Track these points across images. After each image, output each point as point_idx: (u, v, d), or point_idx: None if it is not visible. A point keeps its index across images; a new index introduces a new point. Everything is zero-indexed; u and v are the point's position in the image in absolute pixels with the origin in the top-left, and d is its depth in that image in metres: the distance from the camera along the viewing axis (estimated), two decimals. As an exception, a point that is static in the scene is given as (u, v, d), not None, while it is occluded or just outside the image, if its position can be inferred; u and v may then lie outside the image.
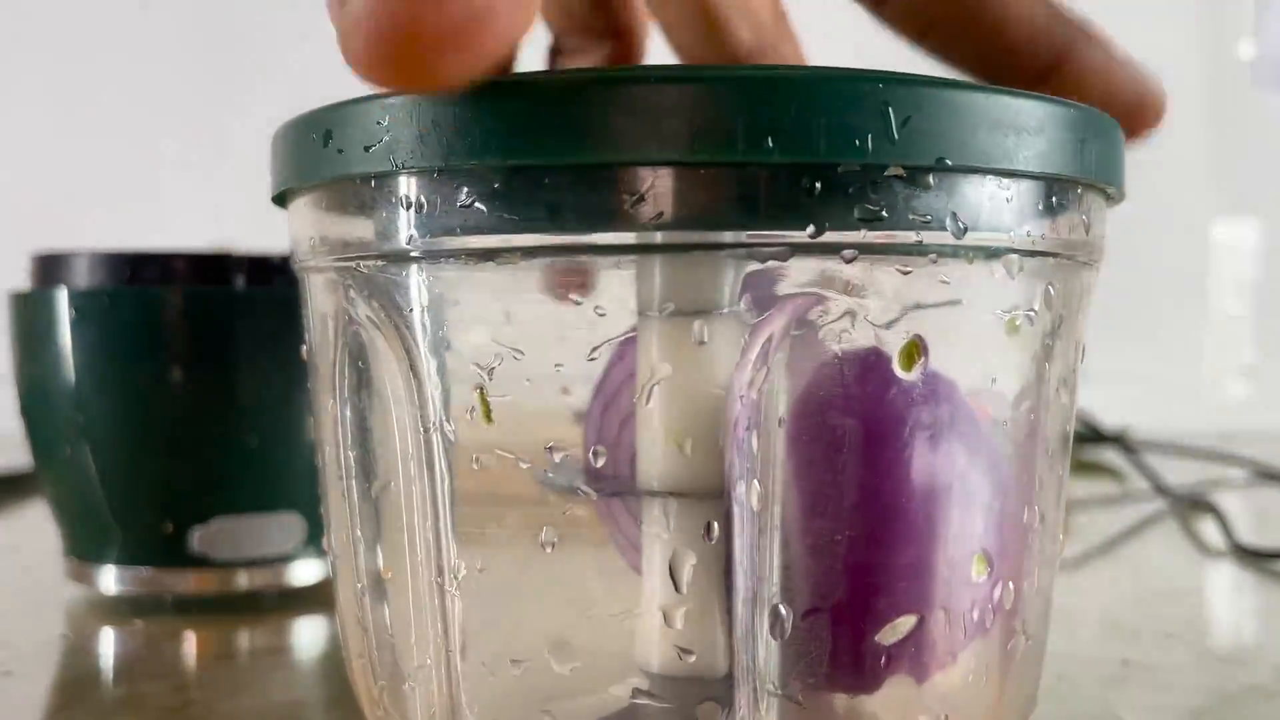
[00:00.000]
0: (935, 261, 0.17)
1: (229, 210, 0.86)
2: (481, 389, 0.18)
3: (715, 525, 0.18)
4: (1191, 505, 0.51)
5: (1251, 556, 0.42)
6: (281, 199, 0.21)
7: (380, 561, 0.20)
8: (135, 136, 0.86)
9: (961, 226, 0.17)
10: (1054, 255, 0.19)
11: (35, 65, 0.86)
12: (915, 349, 0.18)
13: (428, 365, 0.19)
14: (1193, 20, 0.85)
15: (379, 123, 0.17)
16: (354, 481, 0.21)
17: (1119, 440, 0.62)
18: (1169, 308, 0.83)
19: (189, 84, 0.85)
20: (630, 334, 0.18)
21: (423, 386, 0.19)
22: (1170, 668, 0.30)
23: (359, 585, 0.21)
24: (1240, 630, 0.36)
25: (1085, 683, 0.28)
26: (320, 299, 0.21)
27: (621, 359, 0.19)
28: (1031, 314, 0.19)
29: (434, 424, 0.19)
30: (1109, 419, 0.64)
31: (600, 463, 0.19)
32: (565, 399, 0.19)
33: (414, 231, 0.17)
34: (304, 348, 0.22)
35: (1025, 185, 0.18)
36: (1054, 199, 0.18)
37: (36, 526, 0.52)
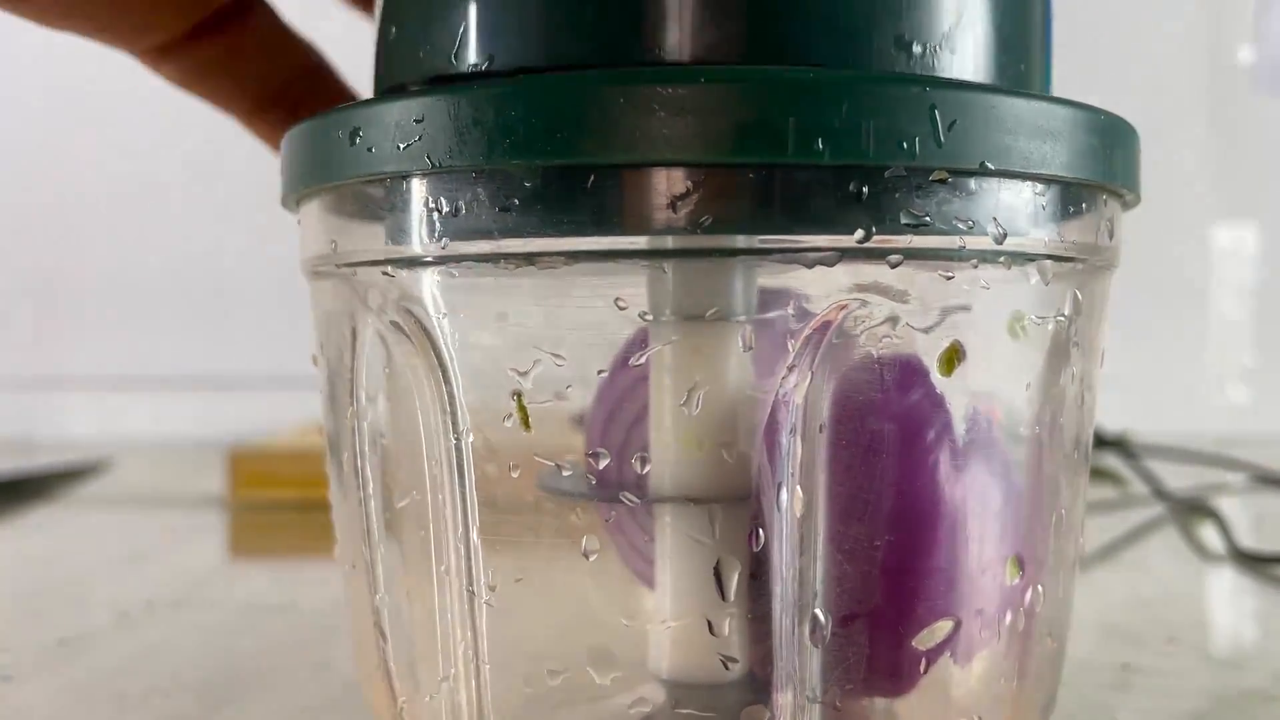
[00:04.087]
0: (976, 267, 0.17)
1: (227, 214, 0.86)
2: (519, 395, 0.18)
3: (761, 532, 0.17)
4: (1191, 510, 0.51)
5: (1251, 561, 0.42)
6: (291, 202, 0.20)
7: (402, 571, 0.20)
8: (133, 139, 0.86)
9: (1001, 231, 0.17)
10: (1083, 260, 0.19)
11: (34, 67, 0.86)
12: (955, 354, 0.18)
13: (459, 371, 0.18)
14: (1193, 25, 0.85)
15: (416, 120, 0.16)
16: (373, 490, 0.20)
17: (1119, 444, 0.62)
18: (1169, 312, 0.83)
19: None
20: (645, 336, 0.18)
21: (453, 393, 0.18)
22: (1170, 672, 0.30)
23: (378, 596, 0.20)
24: (1240, 635, 0.36)
25: (1086, 687, 0.28)
26: (337, 304, 0.20)
27: (659, 364, 0.19)
28: (1062, 318, 0.19)
29: (464, 431, 0.18)
30: (1109, 423, 0.64)
31: (643, 470, 0.19)
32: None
33: (447, 235, 0.17)
34: (312, 354, 0.22)
35: (1058, 190, 0.18)
36: (1084, 204, 0.19)
37: (38, 531, 0.52)
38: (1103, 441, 0.63)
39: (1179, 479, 0.57)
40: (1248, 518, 0.53)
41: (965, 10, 0.18)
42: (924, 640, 0.18)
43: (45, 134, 0.87)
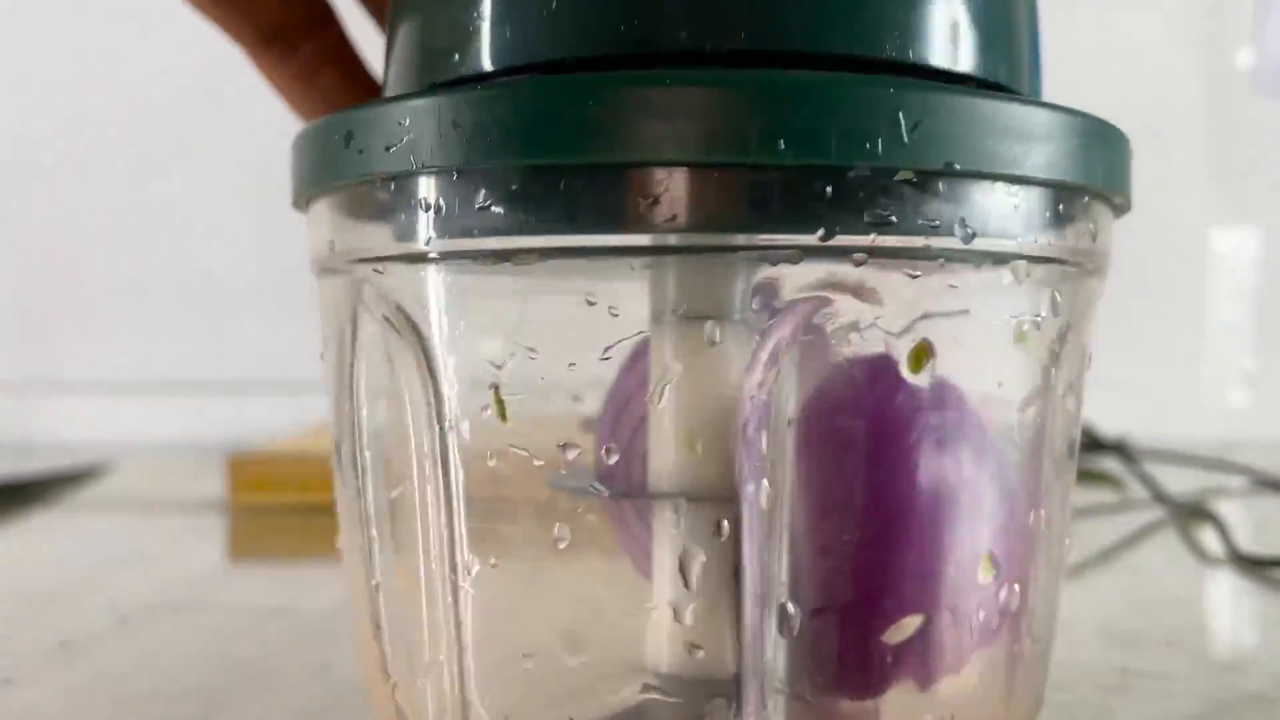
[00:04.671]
0: (943, 266, 0.17)
1: (227, 218, 0.86)
2: (497, 387, 0.18)
3: (725, 524, 0.18)
4: (1191, 513, 0.51)
5: (1251, 564, 0.42)
6: (301, 202, 0.21)
7: (394, 559, 0.21)
8: (134, 142, 0.86)
9: (969, 232, 0.17)
10: (1061, 262, 0.19)
11: (36, 70, 0.86)
12: (924, 352, 0.18)
13: (444, 365, 0.19)
14: (1192, 29, 0.85)
15: (400, 123, 0.17)
16: (369, 480, 0.21)
17: (1118, 448, 0.62)
18: (1168, 315, 0.83)
19: (185, 89, 0.85)
20: (642, 335, 0.19)
21: (438, 386, 0.19)
22: (1170, 676, 0.30)
23: (373, 583, 0.21)
24: (1240, 638, 0.36)
25: (1085, 691, 0.28)
26: (337, 301, 0.21)
27: (634, 362, 0.19)
28: (1038, 320, 0.19)
29: (449, 422, 0.19)
30: (1108, 427, 0.64)
31: (612, 463, 0.19)
32: (577, 399, 0.20)
33: (432, 232, 0.18)
34: (320, 350, 0.22)
35: (1033, 192, 0.18)
36: (1061, 206, 0.19)
37: (38, 535, 0.52)
38: (1102, 445, 0.63)
39: (1178, 482, 0.57)
40: (1247, 521, 0.53)
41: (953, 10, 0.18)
42: (893, 635, 0.18)
43: (46, 138, 0.87)
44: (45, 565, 0.45)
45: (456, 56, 0.19)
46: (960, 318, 0.18)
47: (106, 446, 0.76)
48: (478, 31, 0.18)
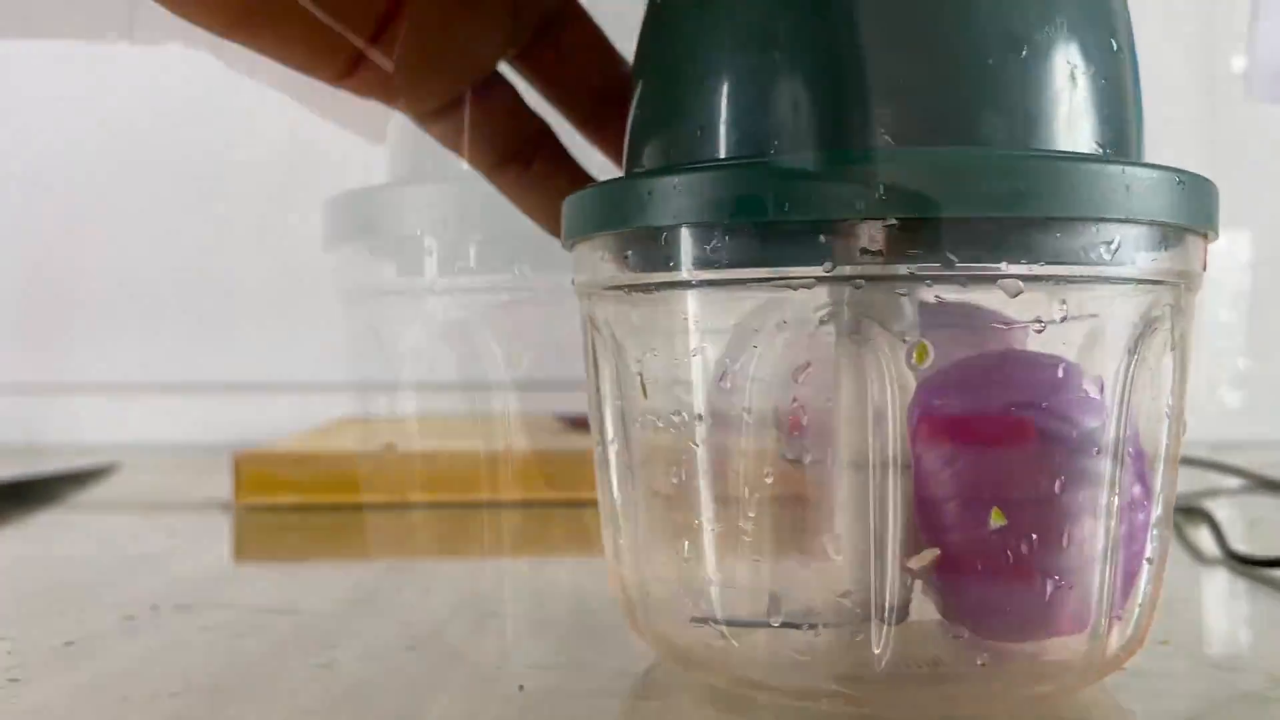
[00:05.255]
0: (1085, 286, 0.23)
1: (234, 221, 0.86)
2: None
3: (880, 490, 0.23)
4: (1186, 513, 0.51)
5: (1245, 564, 0.42)
6: (568, 244, 0.28)
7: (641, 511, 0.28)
8: (140, 145, 0.87)
9: (1103, 259, 0.22)
10: (1170, 283, 0.24)
11: (40, 75, 0.87)
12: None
13: (703, 365, 0.25)
14: (1187, 33, 0.85)
15: (674, 187, 0.23)
16: (612, 440, 0.28)
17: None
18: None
19: (189, 91, 0.85)
20: (826, 342, 0.24)
21: (690, 382, 0.25)
22: (1165, 675, 0.30)
23: (618, 534, 0.29)
24: (1234, 638, 0.36)
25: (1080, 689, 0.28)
26: (584, 314, 0.28)
27: (830, 363, 0.24)
28: (1150, 325, 0.24)
29: (695, 411, 0.25)
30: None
31: (816, 440, 0.24)
32: (784, 384, 0.25)
33: (692, 265, 0.24)
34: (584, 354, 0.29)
35: (1153, 230, 0.23)
36: (1169, 239, 0.24)
37: (45, 534, 0.53)
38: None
39: (1174, 483, 0.57)
40: (1242, 522, 0.53)
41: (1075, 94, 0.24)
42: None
43: (52, 140, 0.88)
44: (51, 564, 0.46)
45: (695, 145, 0.25)
46: (1095, 324, 0.24)
47: (113, 447, 0.76)
48: (715, 129, 0.25)
